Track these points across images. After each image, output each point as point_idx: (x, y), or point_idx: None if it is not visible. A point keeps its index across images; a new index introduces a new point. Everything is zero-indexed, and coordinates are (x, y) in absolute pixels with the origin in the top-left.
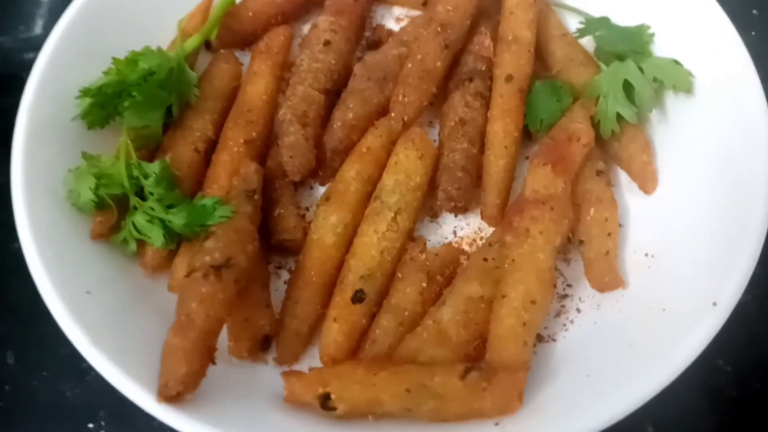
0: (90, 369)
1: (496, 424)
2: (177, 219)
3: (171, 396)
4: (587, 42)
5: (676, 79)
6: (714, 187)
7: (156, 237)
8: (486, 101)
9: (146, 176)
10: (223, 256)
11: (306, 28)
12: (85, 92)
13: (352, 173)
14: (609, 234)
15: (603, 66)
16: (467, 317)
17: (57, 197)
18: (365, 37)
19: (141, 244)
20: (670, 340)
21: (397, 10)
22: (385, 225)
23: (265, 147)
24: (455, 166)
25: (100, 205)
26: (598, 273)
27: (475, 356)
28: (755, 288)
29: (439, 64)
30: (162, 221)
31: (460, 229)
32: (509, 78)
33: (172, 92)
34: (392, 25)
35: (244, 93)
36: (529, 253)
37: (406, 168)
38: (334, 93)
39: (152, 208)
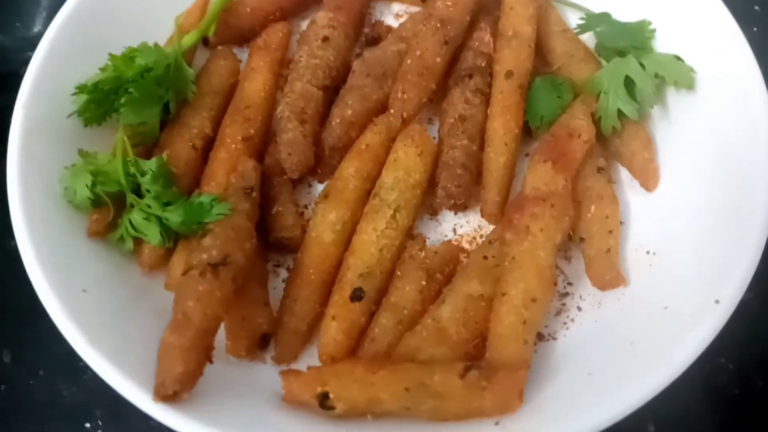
0: (87, 368)
1: (496, 423)
2: (174, 216)
3: (168, 395)
4: (588, 38)
5: (678, 75)
6: (716, 184)
7: (153, 235)
8: (486, 98)
9: (143, 173)
10: (221, 254)
11: (304, 25)
12: (81, 89)
13: (351, 170)
14: (610, 231)
15: (604, 62)
16: (467, 315)
17: (53, 195)
18: (364, 33)
19: (138, 242)
20: (671, 338)
21: (396, 6)
22: (384, 222)
23: (263, 144)
24: (455, 164)
25: (96, 203)
26: (599, 271)
27: (475, 355)
28: (758, 285)
29: (438, 60)
30: (159, 219)
31: (460, 227)
32: (509, 74)
33: (170, 89)
34: (391, 21)
35: (242, 90)
36: (530, 251)
37: (406, 165)
38: (332, 89)
39: (149, 206)
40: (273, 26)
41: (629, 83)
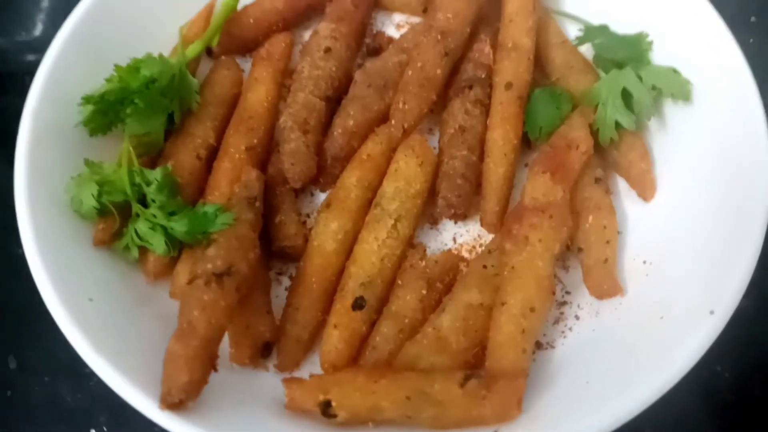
0: (91, 374)
1: (495, 431)
2: (179, 226)
3: (173, 403)
4: (586, 49)
5: (675, 87)
6: (712, 195)
7: (158, 244)
8: (486, 108)
9: (148, 183)
10: (225, 264)
11: (307, 35)
12: (87, 99)
13: (352, 180)
14: (607, 241)
15: (602, 73)
16: (467, 324)
17: (59, 204)
18: (365, 43)
19: (143, 250)
20: (667, 348)
21: (397, 17)
22: (385, 232)
23: (266, 154)
24: (455, 174)
25: (102, 212)
26: (596, 280)
27: (474, 363)
28: (753, 291)
29: (439, 71)
30: (164, 228)
31: (460, 236)
32: (509, 85)
33: (174, 99)
34: (392, 31)
35: (246, 100)
36: (529, 261)
37: (406, 175)
38: (334, 100)
39: (154, 215)
40: (276, 36)
41: (627, 95)
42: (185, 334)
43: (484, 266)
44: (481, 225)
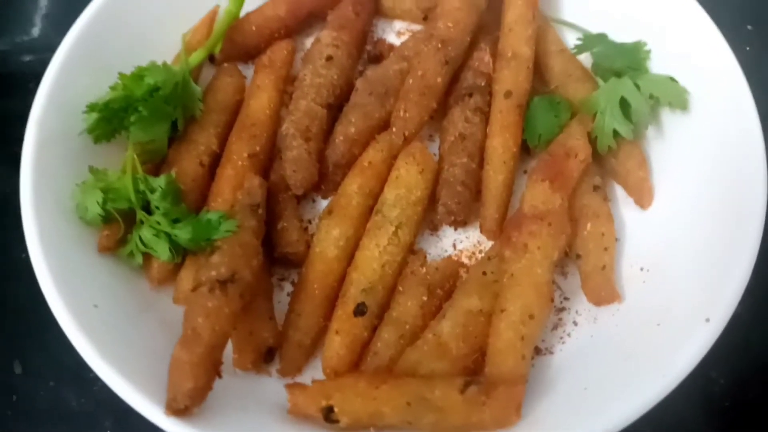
0: (96, 379)
1: None
2: (183, 233)
3: (179, 409)
4: (585, 57)
5: (672, 96)
6: (707, 203)
7: (162, 251)
8: (485, 116)
9: (152, 190)
10: (229, 271)
11: (308, 42)
12: (92, 107)
13: (354, 187)
14: (605, 249)
15: (600, 82)
16: (467, 330)
17: (65, 211)
18: (367, 50)
19: (146, 257)
20: (664, 355)
21: (398, 24)
22: (386, 239)
23: (268, 160)
24: (455, 181)
25: (107, 219)
26: (594, 287)
27: (474, 369)
28: (749, 298)
29: (439, 80)
30: (168, 235)
31: (460, 242)
32: (508, 94)
33: (178, 107)
34: (393, 38)
35: (248, 107)
36: (528, 268)
37: (407, 182)
38: (336, 107)
39: (158, 222)
40: (278, 44)
41: (625, 104)
42: (190, 341)
43: (484, 273)
44: (481, 232)
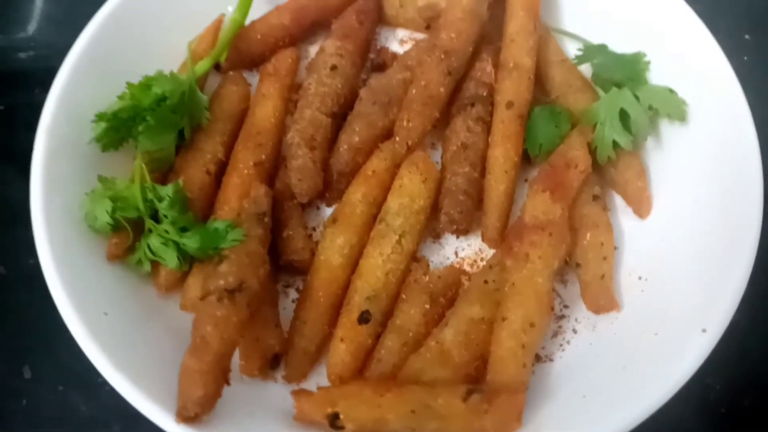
0: (105, 383)
1: None
2: (191, 242)
3: (189, 417)
4: (585, 67)
5: (671, 107)
6: (705, 213)
7: (170, 259)
8: (487, 126)
9: (160, 199)
10: (237, 280)
11: (312, 49)
12: (100, 117)
13: (357, 196)
14: (604, 258)
15: (600, 92)
16: (469, 338)
17: (74, 219)
18: (370, 59)
19: (154, 264)
20: (660, 365)
21: (401, 32)
22: (390, 248)
23: (273, 168)
24: (457, 190)
25: (116, 228)
26: (593, 295)
27: (476, 376)
28: (745, 305)
29: (442, 90)
30: (176, 244)
31: (462, 250)
32: (510, 104)
33: (184, 116)
34: (396, 47)
35: (253, 115)
36: (529, 278)
37: (410, 191)
38: (340, 116)
39: (167, 231)
40: (282, 52)
41: (624, 115)
42: (199, 350)
43: (486, 281)
44: (483, 240)
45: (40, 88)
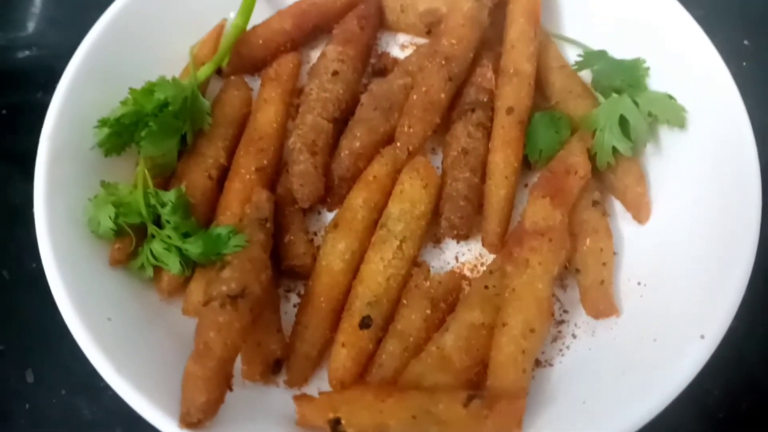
0: (107, 387)
1: None
2: (193, 248)
3: (193, 423)
4: (585, 72)
5: (670, 113)
6: (704, 219)
7: (173, 264)
8: (487, 131)
9: (163, 205)
10: (239, 286)
11: (314, 54)
12: (103, 122)
13: (359, 201)
14: (604, 263)
15: (600, 98)
16: (469, 343)
17: (77, 225)
18: (371, 64)
19: (156, 269)
20: (659, 371)
21: (402, 37)
22: (391, 253)
23: (275, 173)
24: (458, 195)
25: (119, 233)
26: (593, 301)
27: (476, 381)
28: (743, 311)
29: (442, 95)
30: (179, 249)
31: (462, 255)
32: (510, 110)
33: (187, 121)
34: (397, 52)
35: (255, 120)
36: (529, 283)
37: (411, 197)
38: (341, 121)
39: (169, 236)
40: (284, 57)
41: (624, 122)
42: (202, 356)
43: (486, 287)
44: (483, 245)
45: (40, 88)
